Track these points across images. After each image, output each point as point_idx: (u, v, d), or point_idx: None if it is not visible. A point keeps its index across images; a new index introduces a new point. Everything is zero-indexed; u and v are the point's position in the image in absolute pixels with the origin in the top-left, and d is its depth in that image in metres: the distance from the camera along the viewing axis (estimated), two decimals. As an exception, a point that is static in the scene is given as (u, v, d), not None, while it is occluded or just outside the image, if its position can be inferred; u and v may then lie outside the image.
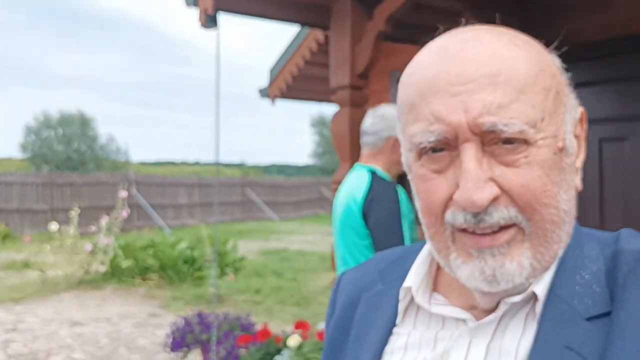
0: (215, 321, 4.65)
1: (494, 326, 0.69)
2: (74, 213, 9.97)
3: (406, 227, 2.38)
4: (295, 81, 5.66)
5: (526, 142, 0.64)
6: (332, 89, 3.53)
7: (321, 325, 6.89)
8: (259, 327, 4.94)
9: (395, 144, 2.52)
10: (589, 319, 0.64)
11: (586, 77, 4.26)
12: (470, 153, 0.63)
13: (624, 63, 4.06)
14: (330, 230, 2.73)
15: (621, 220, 4.07)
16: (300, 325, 4.30)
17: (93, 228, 10.41)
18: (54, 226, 9.81)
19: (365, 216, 2.38)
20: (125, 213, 10.14)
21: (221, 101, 3.83)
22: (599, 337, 0.63)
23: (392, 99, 5.52)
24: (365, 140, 2.57)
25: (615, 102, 4.15)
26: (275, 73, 5.80)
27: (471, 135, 0.63)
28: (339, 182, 3.33)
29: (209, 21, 3.43)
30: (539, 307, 0.67)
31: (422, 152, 0.67)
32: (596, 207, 4.20)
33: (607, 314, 0.64)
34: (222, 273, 9.41)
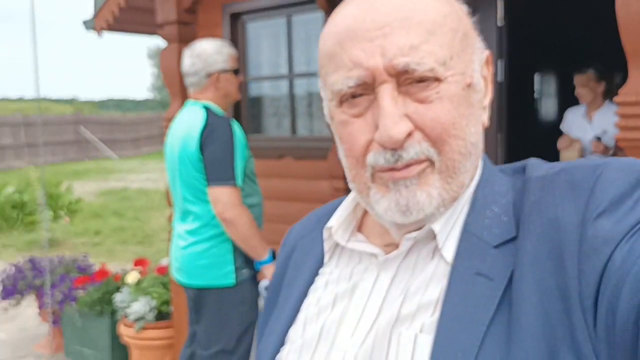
0: (48, 265, 4.51)
1: (399, 260, 0.74)
2: None
3: (239, 159, 2.47)
4: (122, 13, 5.41)
5: (437, 79, 0.68)
6: (159, 24, 3.46)
7: (164, 261, 6.90)
8: (97, 268, 4.87)
9: (219, 78, 2.56)
10: (496, 247, 0.68)
11: None
12: (386, 93, 0.67)
13: None
14: (174, 167, 2.76)
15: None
16: (139, 262, 4.32)
17: None
18: None
19: (202, 151, 2.44)
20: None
21: (44, 33, 3.59)
22: (505, 261, 0.67)
23: (224, 33, 5.48)
24: (188, 81, 2.58)
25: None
26: (101, 3, 5.49)
27: (387, 77, 0.67)
28: (170, 119, 3.33)
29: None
30: (440, 240, 0.71)
31: (342, 99, 0.70)
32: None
33: (513, 239, 0.68)
34: (56, 216, 8.97)
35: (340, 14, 0.72)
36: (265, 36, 5.48)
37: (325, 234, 0.81)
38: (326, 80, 0.73)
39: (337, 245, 0.81)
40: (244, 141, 2.52)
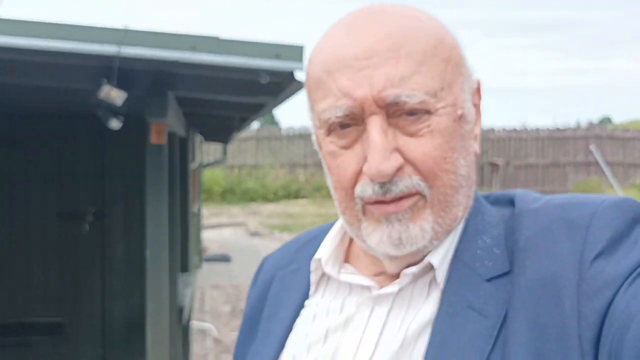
0: None
1: (394, 295, 0.72)
2: None
3: None
4: None
5: (427, 111, 0.67)
6: None
7: None
8: None
9: None
10: (489, 280, 0.68)
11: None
12: (376, 125, 0.66)
13: None
14: None
15: None
16: None
17: None
18: None
19: None
20: None
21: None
22: (498, 297, 0.67)
23: None
24: None
25: None
26: None
27: (377, 108, 0.67)
28: None
29: None
30: (439, 275, 0.70)
31: (331, 128, 0.70)
32: None
33: (507, 274, 0.68)
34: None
35: (327, 39, 0.72)
36: None
37: (312, 266, 0.80)
38: (314, 108, 0.73)
39: (322, 276, 0.80)
40: None
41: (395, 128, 0.68)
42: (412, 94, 0.66)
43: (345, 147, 0.70)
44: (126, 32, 2.35)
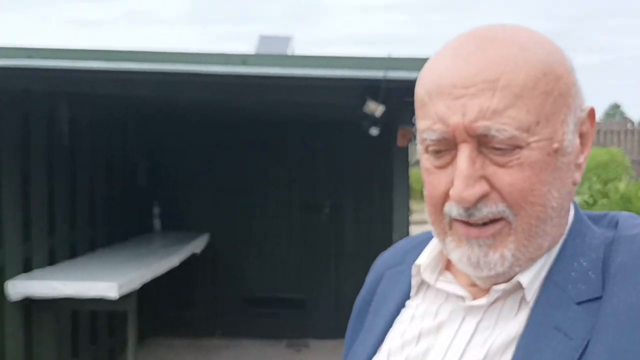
0: None
1: (485, 308, 0.75)
2: None
3: None
4: None
5: (518, 146, 0.68)
6: None
7: None
8: None
9: None
10: (579, 303, 0.69)
11: None
12: (465, 153, 0.69)
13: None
14: None
15: None
16: None
17: None
18: None
19: None
20: None
21: None
22: (586, 320, 0.68)
23: None
24: None
25: None
26: None
27: (467, 137, 0.68)
28: None
29: None
30: (528, 294, 0.72)
31: (427, 147, 0.73)
32: None
33: (598, 299, 0.69)
34: None
35: (435, 62, 0.74)
36: None
37: (413, 271, 0.83)
38: (417, 124, 0.75)
39: (423, 281, 0.83)
40: None
41: (485, 157, 0.69)
42: (502, 129, 0.67)
43: (439, 167, 0.73)
44: (391, 59, 3.00)
